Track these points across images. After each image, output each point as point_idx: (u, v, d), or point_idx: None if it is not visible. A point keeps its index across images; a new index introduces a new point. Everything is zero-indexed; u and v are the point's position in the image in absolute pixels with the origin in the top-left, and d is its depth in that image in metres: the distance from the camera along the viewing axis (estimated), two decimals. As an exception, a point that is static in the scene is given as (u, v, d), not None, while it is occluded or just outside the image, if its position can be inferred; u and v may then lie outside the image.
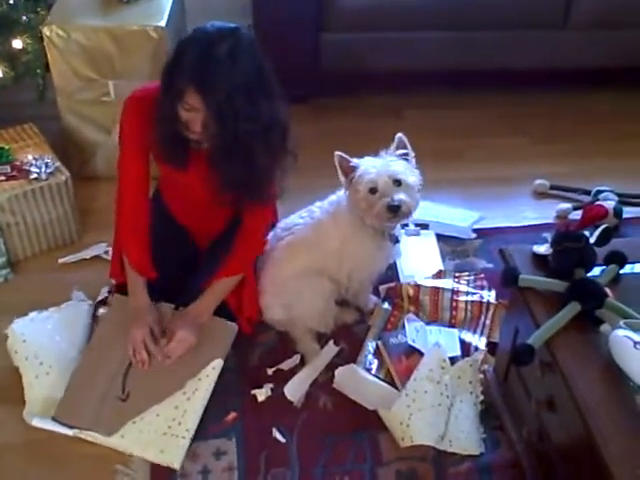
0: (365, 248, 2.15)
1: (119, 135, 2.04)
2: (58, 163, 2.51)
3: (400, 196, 2.02)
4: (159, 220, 2.18)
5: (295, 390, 2.10)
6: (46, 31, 2.56)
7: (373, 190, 2.03)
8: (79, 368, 2.07)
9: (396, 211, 2.02)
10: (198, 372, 2.00)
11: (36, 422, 1.96)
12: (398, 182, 2.04)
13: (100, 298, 2.32)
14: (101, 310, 2.29)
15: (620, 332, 1.57)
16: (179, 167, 1.99)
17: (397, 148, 2.11)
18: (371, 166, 2.06)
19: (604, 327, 1.65)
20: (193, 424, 1.93)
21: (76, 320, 2.20)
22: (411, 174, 2.09)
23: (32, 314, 2.17)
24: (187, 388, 1.98)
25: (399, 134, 2.13)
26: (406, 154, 2.12)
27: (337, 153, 2.09)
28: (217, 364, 2.01)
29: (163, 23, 2.58)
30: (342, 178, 2.10)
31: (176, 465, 1.88)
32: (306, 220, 2.21)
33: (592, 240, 1.79)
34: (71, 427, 1.95)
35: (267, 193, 2.02)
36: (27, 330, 2.11)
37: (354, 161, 2.09)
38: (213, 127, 1.78)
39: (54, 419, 1.97)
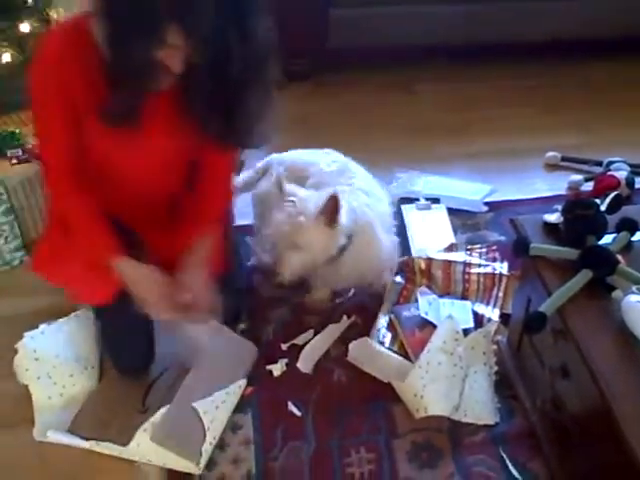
0: None
1: (36, 99, 1.64)
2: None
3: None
4: None
5: (307, 361, 2.12)
6: (53, 13, 2.56)
7: None
8: (100, 385, 2.05)
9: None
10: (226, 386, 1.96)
11: (50, 434, 1.89)
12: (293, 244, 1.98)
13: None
14: None
15: (632, 298, 1.57)
16: (133, 127, 1.58)
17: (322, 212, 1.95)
18: (286, 213, 1.97)
19: (616, 293, 1.65)
20: (218, 433, 1.91)
21: (87, 333, 2.13)
22: (314, 239, 1.98)
23: (42, 326, 2.08)
24: (216, 398, 1.93)
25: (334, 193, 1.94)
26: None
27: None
28: (242, 384, 2.00)
29: (170, 2, 2.58)
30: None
31: (198, 470, 1.83)
32: None
33: (603, 207, 1.78)
34: (87, 439, 1.88)
35: (261, 135, 1.69)
36: (38, 345, 2.03)
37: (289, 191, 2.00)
38: (199, 64, 1.45)
39: (70, 431, 1.92)
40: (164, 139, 1.69)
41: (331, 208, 1.93)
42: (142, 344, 2.05)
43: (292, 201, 1.98)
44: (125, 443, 1.84)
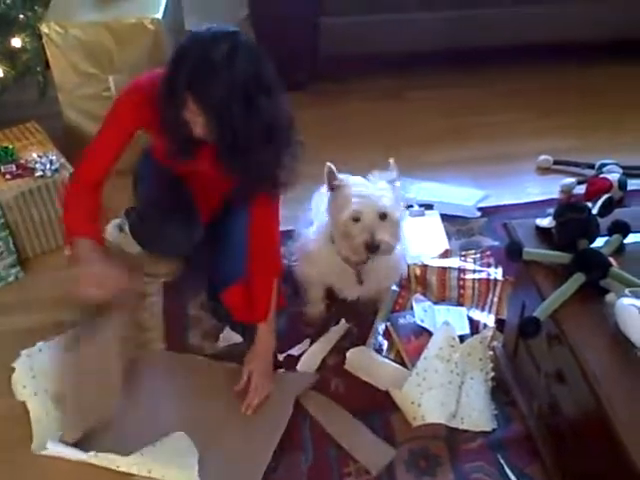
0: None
1: (110, 113, 1.98)
2: (63, 159, 2.52)
3: (382, 235, 1.95)
4: (153, 175, 2.24)
5: (308, 365, 2.13)
6: (44, 28, 2.57)
7: (356, 219, 1.97)
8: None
9: (374, 251, 1.96)
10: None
11: (50, 446, 1.86)
12: (384, 215, 1.96)
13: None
14: None
15: (626, 301, 1.58)
16: (187, 160, 1.97)
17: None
18: (358, 192, 1.97)
19: (609, 297, 1.65)
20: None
21: None
22: (397, 208, 2.01)
23: (39, 344, 2.09)
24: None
25: (391, 160, 2.03)
26: (393, 180, 2.03)
27: (328, 165, 2.02)
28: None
29: (159, 15, 2.59)
30: (327, 188, 2.05)
31: None
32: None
33: (595, 211, 1.79)
34: (87, 450, 1.86)
35: (275, 183, 1.94)
36: (35, 363, 2.04)
37: (340, 177, 2.02)
38: (214, 129, 1.77)
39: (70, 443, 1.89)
40: (208, 169, 1.96)
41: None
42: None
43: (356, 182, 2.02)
44: (128, 452, 1.83)
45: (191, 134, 1.84)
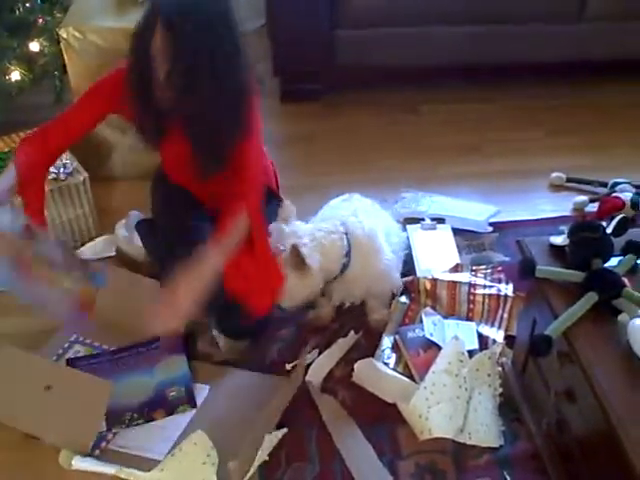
0: None
1: (92, 87, 2.02)
2: (76, 163, 2.53)
3: None
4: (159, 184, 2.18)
5: (315, 376, 2.13)
6: (62, 33, 2.59)
7: None
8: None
9: None
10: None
11: (76, 462, 1.83)
12: None
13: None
14: None
15: (638, 321, 1.57)
16: (158, 138, 1.99)
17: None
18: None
19: (622, 317, 1.64)
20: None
21: None
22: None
23: None
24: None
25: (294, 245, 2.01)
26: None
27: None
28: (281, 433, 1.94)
29: (177, 22, 2.60)
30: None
31: None
32: None
33: (609, 230, 1.79)
34: (113, 462, 1.84)
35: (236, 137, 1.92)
36: None
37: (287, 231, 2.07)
38: (176, 61, 1.75)
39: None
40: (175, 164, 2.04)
41: (295, 259, 2.01)
42: None
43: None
44: (149, 468, 1.81)
45: (158, 103, 1.84)
